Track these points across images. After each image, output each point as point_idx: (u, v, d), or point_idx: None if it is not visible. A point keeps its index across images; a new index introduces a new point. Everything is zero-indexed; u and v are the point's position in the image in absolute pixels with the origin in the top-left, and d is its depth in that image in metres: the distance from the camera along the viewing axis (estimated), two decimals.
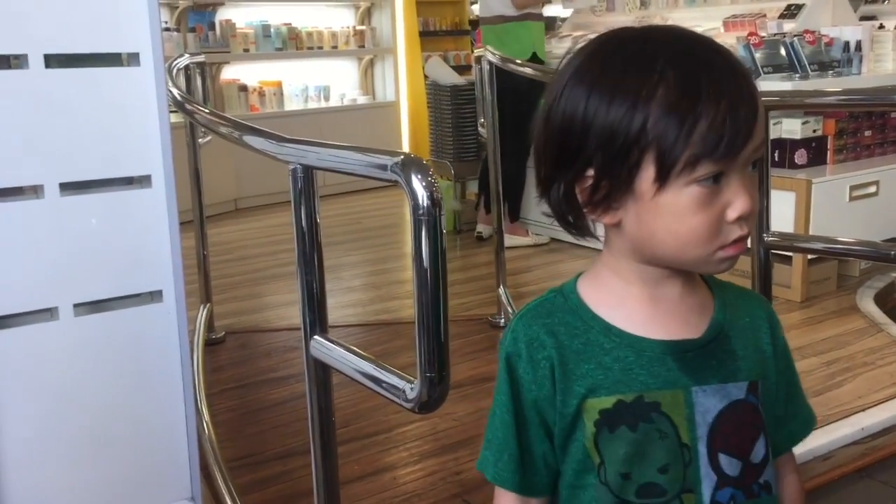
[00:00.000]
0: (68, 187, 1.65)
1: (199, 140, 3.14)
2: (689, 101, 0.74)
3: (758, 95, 0.78)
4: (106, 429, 1.73)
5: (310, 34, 6.50)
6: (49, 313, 1.68)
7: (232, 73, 6.30)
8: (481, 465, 0.89)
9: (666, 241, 0.79)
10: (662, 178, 0.76)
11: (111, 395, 1.74)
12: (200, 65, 3.36)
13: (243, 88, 6.21)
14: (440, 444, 2.47)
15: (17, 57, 1.57)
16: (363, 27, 6.80)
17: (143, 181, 1.73)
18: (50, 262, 1.65)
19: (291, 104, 6.46)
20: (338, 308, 3.74)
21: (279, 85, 6.37)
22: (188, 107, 1.92)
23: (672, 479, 0.82)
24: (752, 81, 0.78)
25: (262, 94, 6.27)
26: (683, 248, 0.79)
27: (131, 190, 1.73)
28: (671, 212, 0.77)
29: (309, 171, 1.36)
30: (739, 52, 3.59)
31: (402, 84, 6.76)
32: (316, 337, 1.42)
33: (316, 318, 1.42)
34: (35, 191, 1.64)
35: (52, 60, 1.59)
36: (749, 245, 0.96)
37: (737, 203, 0.77)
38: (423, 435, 2.54)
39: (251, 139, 1.56)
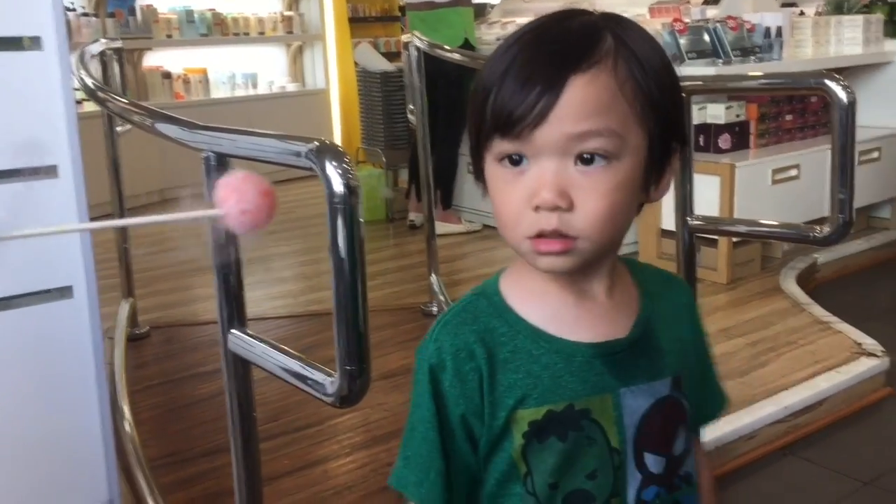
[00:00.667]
0: None
1: (118, 129, 3.02)
2: (492, 75, 0.74)
3: (587, 87, 0.71)
4: (16, 432, 1.65)
5: (235, 20, 6.35)
6: None
7: (155, 59, 6.12)
8: (399, 484, 0.82)
9: (497, 222, 0.79)
10: (476, 152, 0.78)
11: (20, 397, 1.66)
12: (118, 51, 3.24)
13: (167, 76, 6.04)
14: (371, 435, 2.44)
15: None
16: (291, 13, 6.68)
17: (50, 171, 1.65)
18: None
19: (218, 92, 6.31)
20: (267, 299, 3.67)
21: (204, 72, 6.21)
22: (100, 94, 1.84)
23: (601, 484, 0.79)
24: (590, 70, 0.71)
25: (186, 82, 6.11)
26: (503, 231, 0.78)
27: (37, 180, 1.65)
28: (490, 189, 0.78)
29: (222, 158, 1.31)
30: (664, 38, 3.63)
31: (332, 71, 6.66)
32: (233, 331, 1.37)
33: (233, 311, 1.37)
34: None
35: None
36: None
37: (537, 192, 0.72)
38: (355, 427, 2.50)
39: (163, 127, 1.50)
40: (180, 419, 2.62)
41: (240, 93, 6.35)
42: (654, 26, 3.85)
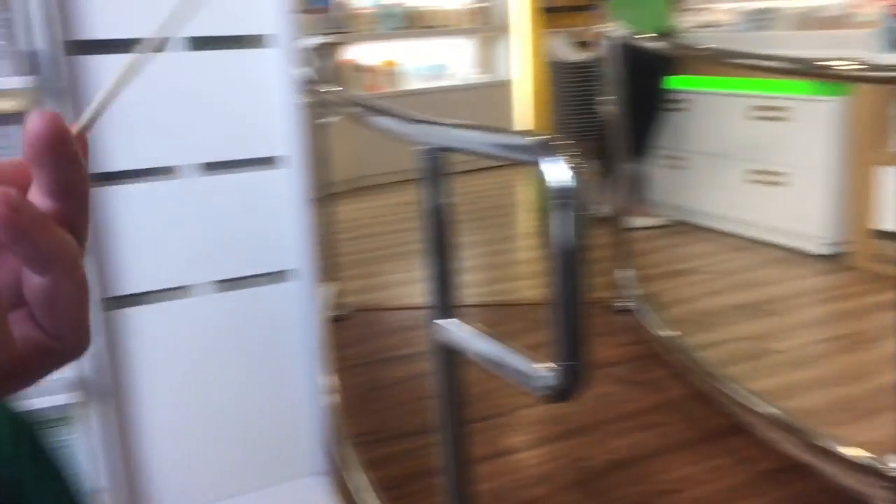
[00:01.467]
0: (203, 168, 1.69)
1: (325, 121, 3.17)
2: None
3: None
4: (238, 404, 1.78)
5: (428, 13, 6.50)
6: (183, 291, 1.73)
7: (349, 52, 6.37)
8: None
9: None
10: None
11: (243, 372, 1.78)
12: (328, 46, 3.40)
13: (359, 69, 6.27)
14: (563, 428, 2.43)
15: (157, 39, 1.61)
16: (482, 4, 6.75)
17: (275, 162, 1.75)
18: (184, 240, 1.70)
19: (408, 83, 6.49)
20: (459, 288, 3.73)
21: (396, 64, 6.41)
22: (320, 88, 1.93)
23: None
24: None
25: (379, 74, 6.32)
26: None
27: (264, 171, 1.75)
28: None
29: (440, 152, 1.34)
30: (886, 23, 3.35)
31: (520, 62, 6.67)
32: (442, 320, 1.40)
33: (443, 300, 1.40)
34: (171, 171, 1.68)
35: (191, 43, 1.62)
36: None
37: None
38: (545, 419, 2.50)
39: (382, 120, 1.55)
40: (379, 399, 2.72)
41: (428, 84, 6.50)
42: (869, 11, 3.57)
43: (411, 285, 3.81)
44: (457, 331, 1.36)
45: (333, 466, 1.91)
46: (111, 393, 1.68)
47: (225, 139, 1.69)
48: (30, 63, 1.47)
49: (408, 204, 5.38)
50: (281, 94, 1.70)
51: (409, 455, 2.34)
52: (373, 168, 5.90)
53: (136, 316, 1.68)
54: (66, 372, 1.60)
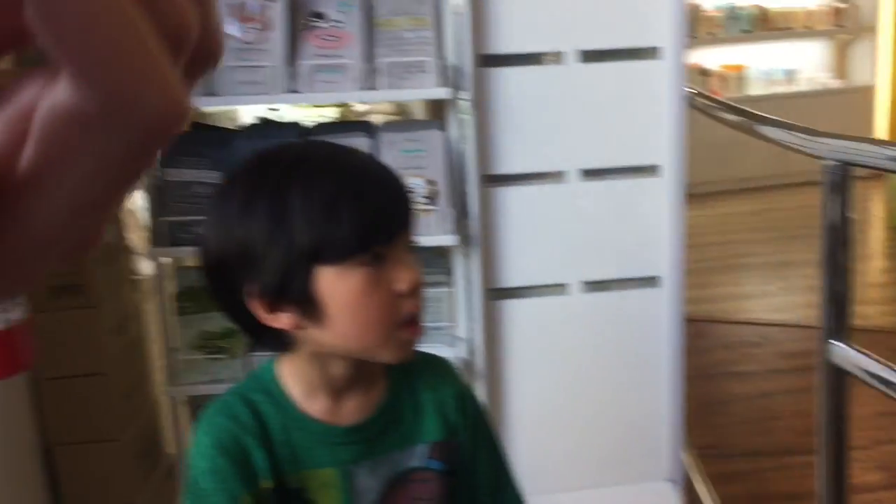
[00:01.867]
0: (586, 174, 1.78)
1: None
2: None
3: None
4: (599, 401, 1.85)
5: (781, 14, 6.17)
6: (560, 288, 1.84)
7: (693, 57, 6.24)
8: None
9: (361, 325, 0.83)
10: (300, 274, 0.80)
11: (607, 371, 1.85)
12: None
13: (704, 73, 6.12)
14: None
15: (554, 53, 1.72)
16: (843, 4, 6.26)
17: (653, 171, 1.80)
18: (565, 241, 1.80)
19: (753, 88, 6.21)
20: (792, 308, 3.53)
21: (742, 69, 6.16)
22: (698, 99, 1.94)
23: None
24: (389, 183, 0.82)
25: (723, 79, 6.12)
26: (367, 332, 0.83)
27: (641, 178, 1.80)
28: (348, 296, 0.81)
29: (846, 167, 1.29)
30: None
31: (884, 66, 6.10)
32: (836, 342, 1.35)
33: (837, 321, 1.35)
34: (558, 176, 1.79)
35: (585, 56, 1.72)
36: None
37: (401, 276, 0.81)
38: None
39: (772, 131, 1.53)
40: (717, 414, 2.67)
41: (776, 89, 6.17)
42: None
43: (752, 299, 3.67)
44: (851, 354, 1.31)
45: (682, 476, 1.92)
46: (483, 376, 1.83)
47: (609, 147, 1.76)
48: (447, 75, 1.66)
49: (752, 214, 5.17)
50: (664, 104, 1.74)
51: (751, 475, 2.27)
52: (715, 174, 5.73)
53: (513, 308, 1.82)
54: (447, 352, 1.77)
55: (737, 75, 6.16)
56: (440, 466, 0.94)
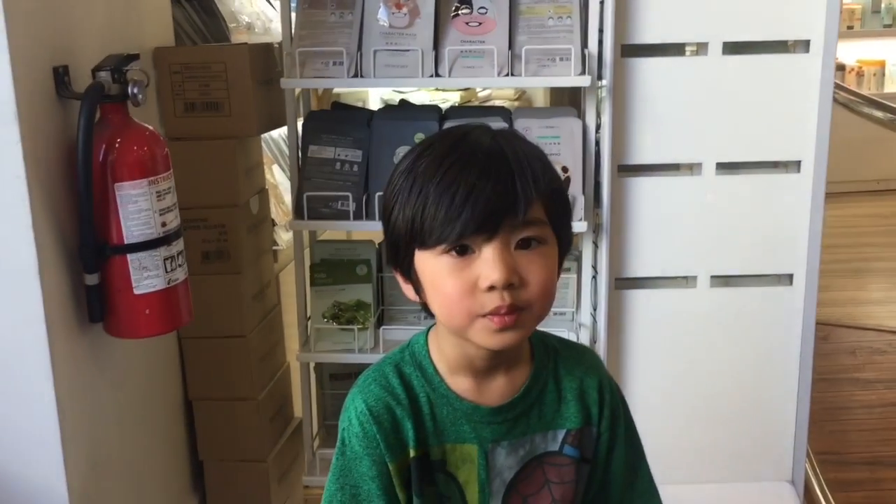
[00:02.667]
0: (721, 167, 1.76)
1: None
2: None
3: (510, 185, 0.81)
4: (723, 397, 1.84)
5: None
6: (686, 281, 1.83)
7: None
8: None
9: (441, 308, 0.87)
10: (405, 252, 0.87)
11: (731, 367, 1.83)
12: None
13: (840, 68, 5.87)
14: None
15: (698, 44, 1.71)
16: None
17: (792, 166, 1.76)
18: (696, 234, 1.79)
19: (894, 86, 5.92)
20: None
21: (882, 65, 5.88)
22: (840, 93, 1.89)
23: None
24: (505, 176, 0.82)
25: (860, 75, 5.86)
26: (448, 316, 0.86)
27: (780, 174, 1.77)
28: (432, 280, 0.86)
29: None
30: None
31: None
32: None
33: None
34: (692, 168, 1.78)
35: (728, 48, 1.70)
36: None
37: (490, 274, 0.82)
38: None
39: None
40: (838, 420, 2.60)
41: None
42: None
43: (880, 305, 3.53)
44: None
45: (802, 478, 1.89)
46: (604, 364, 1.84)
47: (749, 141, 1.74)
48: (589, 64, 1.67)
49: (886, 217, 4.93)
50: (809, 99, 1.70)
51: (869, 484, 2.22)
52: (849, 174, 5.48)
53: (639, 298, 1.83)
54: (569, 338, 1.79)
55: (875, 71, 5.88)
56: (575, 454, 0.96)
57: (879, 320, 3.37)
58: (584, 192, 1.72)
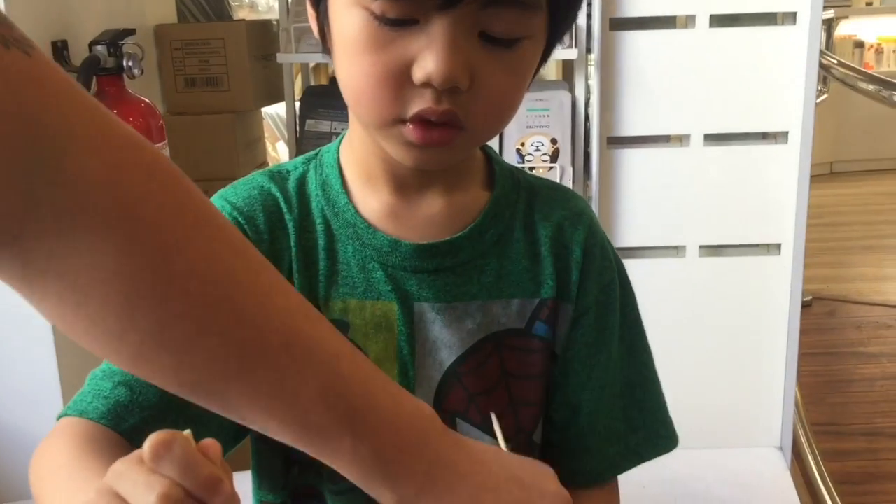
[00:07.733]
0: (710, 138, 1.79)
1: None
2: None
3: None
4: (712, 365, 1.88)
5: None
6: (675, 250, 1.86)
7: (849, 28, 5.93)
8: None
9: (349, 94, 0.59)
10: None
11: (721, 335, 1.87)
12: (827, 21, 3.26)
13: (859, 45, 5.82)
14: None
15: (686, 17, 1.74)
16: None
17: (780, 137, 1.79)
18: (684, 204, 1.82)
19: None
20: None
21: None
22: (838, 68, 1.90)
23: None
24: None
25: (879, 52, 5.80)
26: (357, 107, 0.59)
27: (766, 145, 1.80)
28: (344, 45, 0.57)
29: None
30: None
31: None
32: None
33: None
34: (681, 139, 1.81)
35: (716, 20, 1.72)
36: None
37: (428, 63, 0.53)
38: None
39: None
40: (838, 392, 2.62)
41: None
42: None
43: (889, 281, 3.54)
44: None
45: (792, 446, 1.93)
46: None
47: (735, 113, 1.76)
48: (577, 37, 1.70)
49: (889, 195, 4.91)
50: (796, 71, 1.72)
51: (866, 454, 2.24)
52: (866, 152, 5.46)
53: (629, 268, 1.84)
54: None
55: (893, 48, 5.82)
56: (549, 334, 0.66)
57: (888, 296, 3.38)
58: (573, 164, 1.76)
